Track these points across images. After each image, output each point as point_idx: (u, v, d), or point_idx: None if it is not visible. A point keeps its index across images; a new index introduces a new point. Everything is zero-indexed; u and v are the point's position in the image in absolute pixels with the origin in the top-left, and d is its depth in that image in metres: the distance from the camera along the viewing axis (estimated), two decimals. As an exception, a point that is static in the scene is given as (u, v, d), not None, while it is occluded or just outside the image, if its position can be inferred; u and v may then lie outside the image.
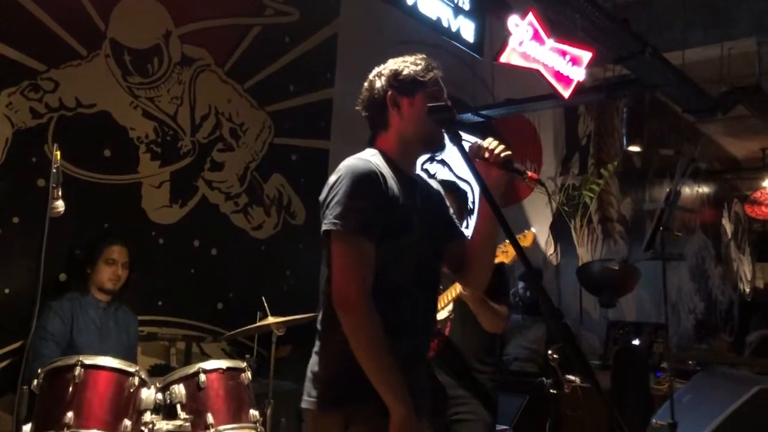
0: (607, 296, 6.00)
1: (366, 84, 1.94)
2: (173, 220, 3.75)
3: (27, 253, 3.07)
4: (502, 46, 3.79)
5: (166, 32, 3.77)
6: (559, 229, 7.04)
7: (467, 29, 3.72)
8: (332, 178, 1.79)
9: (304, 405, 1.79)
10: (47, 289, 2.58)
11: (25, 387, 2.16)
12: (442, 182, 2.40)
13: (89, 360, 2.38)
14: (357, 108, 1.97)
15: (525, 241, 2.66)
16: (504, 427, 3.88)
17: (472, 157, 1.83)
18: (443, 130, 1.83)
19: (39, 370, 2.37)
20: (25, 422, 2.23)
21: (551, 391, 2.65)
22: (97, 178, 3.43)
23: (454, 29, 3.65)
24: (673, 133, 8.25)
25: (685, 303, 9.53)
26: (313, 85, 4.50)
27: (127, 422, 2.34)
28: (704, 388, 2.70)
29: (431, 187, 1.99)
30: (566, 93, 4.15)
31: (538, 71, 4.01)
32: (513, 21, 3.94)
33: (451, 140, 1.74)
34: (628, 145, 5.19)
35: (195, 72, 3.89)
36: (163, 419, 2.45)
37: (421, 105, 1.83)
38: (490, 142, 1.84)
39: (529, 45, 3.88)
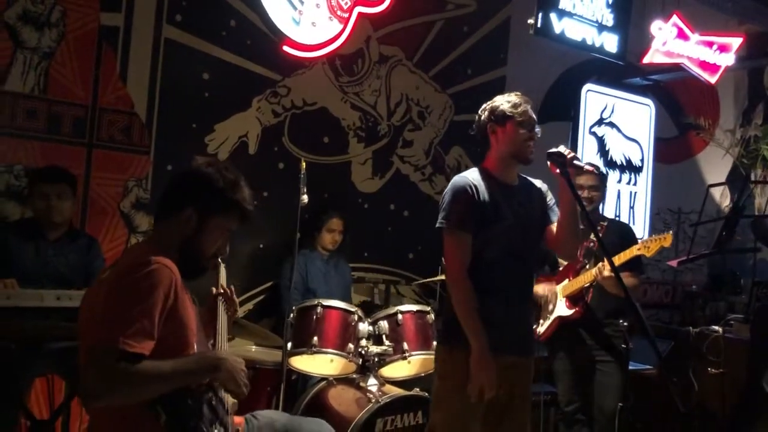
0: (782, 250, 6.08)
1: (477, 116, 2.65)
2: (374, 189, 4.73)
3: (274, 217, 4.18)
4: (646, 47, 4.15)
5: (367, 37, 4.66)
6: (736, 182, 7.05)
7: (610, 42, 4.11)
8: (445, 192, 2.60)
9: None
10: (289, 245, 3.65)
11: (287, 319, 3.25)
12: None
13: (326, 302, 3.43)
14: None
15: (665, 242, 2.97)
16: (649, 367, 4.50)
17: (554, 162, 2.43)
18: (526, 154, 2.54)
19: (294, 308, 3.46)
20: (288, 342, 3.34)
21: (623, 346, 3.22)
22: (319, 159, 4.48)
23: (597, 45, 4.07)
24: None
25: None
26: (488, 66, 5.16)
27: (351, 346, 3.37)
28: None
29: (533, 187, 2.67)
30: (713, 79, 4.40)
31: (682, 64, 4.31)
32: (656, 25, 4.23)
33: (562, 173, 2.43)
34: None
35: (390, 67, 4.76)
36: (373, 345, 3.43)
37: (512, 130, 2.51)
38: (564, 149, 2.45)
39: (672, 44, 4.18)
